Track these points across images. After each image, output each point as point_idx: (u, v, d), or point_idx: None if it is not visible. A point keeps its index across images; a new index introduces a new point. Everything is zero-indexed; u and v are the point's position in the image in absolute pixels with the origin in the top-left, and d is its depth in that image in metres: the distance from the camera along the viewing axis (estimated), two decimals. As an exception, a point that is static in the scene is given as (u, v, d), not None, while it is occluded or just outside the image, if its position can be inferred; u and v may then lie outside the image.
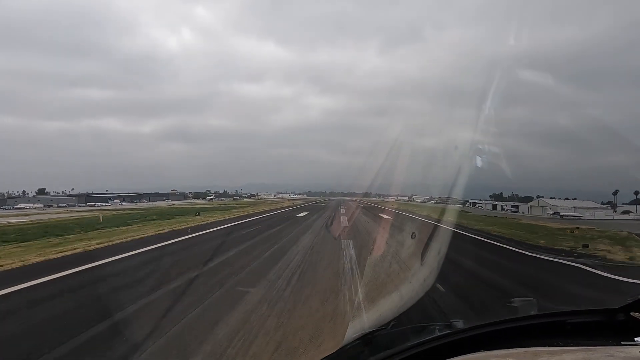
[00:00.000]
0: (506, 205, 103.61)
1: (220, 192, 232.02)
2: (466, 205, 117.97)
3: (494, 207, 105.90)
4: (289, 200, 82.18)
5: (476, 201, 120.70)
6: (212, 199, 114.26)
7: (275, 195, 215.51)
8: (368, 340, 1.63)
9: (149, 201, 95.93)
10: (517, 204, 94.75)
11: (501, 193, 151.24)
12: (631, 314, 1.69)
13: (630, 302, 1.74)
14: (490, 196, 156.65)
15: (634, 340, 1.44)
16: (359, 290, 6.65)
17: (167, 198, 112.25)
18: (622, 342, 1.47)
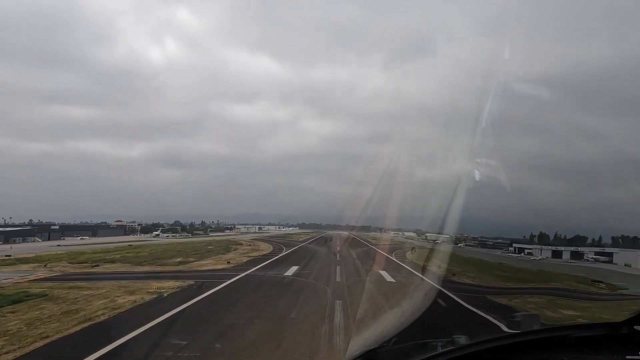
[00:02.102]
0: (577, 250, 72.73)
1: (197, 223, 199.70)
2: (513, 252, 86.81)
3: (556, 255, 75.31)
4: (246, 243, 51.19)
5: (523, 247, 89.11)
6: (157, 234, 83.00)
7: (260, 229, 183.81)
8: (370, 357, 1.63)
9: (45, 239, 64.40)
10: (610, 249, 63.27)
11: (541, 233, 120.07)
12: (635, 327, 1.64)
13: (633, 315, 1.69)
14: (526, 237, 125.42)
15: (639, 354, 1.46)
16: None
17: (94, 232, 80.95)
18: (627, 357, 1.48)
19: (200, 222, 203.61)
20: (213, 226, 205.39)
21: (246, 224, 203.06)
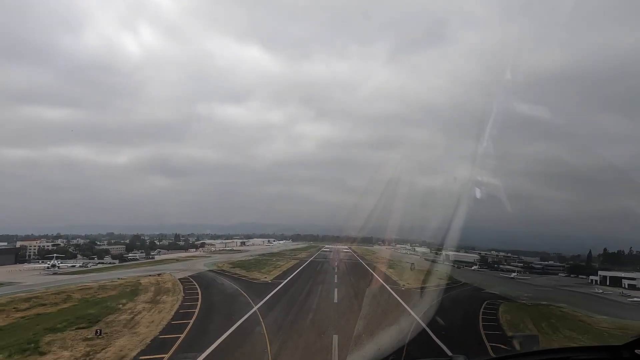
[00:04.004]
0: None
1: (157, 234, 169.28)
2: (599, 282, 57.50)
3: None
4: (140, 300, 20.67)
5: (617, 275, 57.85)
6: (53, 265, 52.70)
7: (244, 243, 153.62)
8: None
9: None
10: None
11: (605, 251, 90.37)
12: (636, 351, 1.56)
13: (634, 339, 1.62)
14: (581, 255, 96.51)
15: None
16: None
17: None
18: None
19: (159, 233, 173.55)
20: (191, 240, 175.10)
21: (225, 239, 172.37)
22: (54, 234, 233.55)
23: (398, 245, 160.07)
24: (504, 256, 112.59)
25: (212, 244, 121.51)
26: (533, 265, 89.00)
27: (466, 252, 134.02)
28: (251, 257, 74.63)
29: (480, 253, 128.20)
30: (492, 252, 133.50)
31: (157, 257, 75.03)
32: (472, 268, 74.72)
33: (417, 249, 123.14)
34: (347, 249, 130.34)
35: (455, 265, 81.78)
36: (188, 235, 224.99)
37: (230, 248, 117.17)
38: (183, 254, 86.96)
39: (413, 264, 71.45)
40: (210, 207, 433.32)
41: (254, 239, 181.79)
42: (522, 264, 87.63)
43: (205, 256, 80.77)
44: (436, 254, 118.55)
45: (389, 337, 13.35)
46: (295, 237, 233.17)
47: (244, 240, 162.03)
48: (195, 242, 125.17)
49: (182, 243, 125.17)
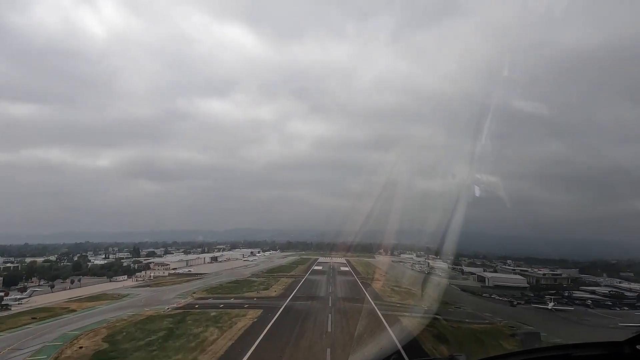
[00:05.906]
0: None
1: (171, 241, 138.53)
2: None
3: None
4: None
5: None
6: None
7: (215, 259, 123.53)
8: None
9: None
10: None
11: None
12: (637, 347, 1.54)
13: (635, 335, 1.58)
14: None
15: None
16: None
17: None
18: None
19: (134, 248, 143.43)
20: (159, 251, 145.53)
21: (202, 251, 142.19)
22: (22, 244, 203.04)
23: (402, 255, 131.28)
24: (552, 275, 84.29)
25: (165, 265, 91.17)
26: (622, 292, 59.68)
27: (485, 265, 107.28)
28: (188, 301, 45.13)
29: (514, 270, 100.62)
30: (507, 261, 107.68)
31: (27, 300, 45.02)
32: (549, 306, 45.27)
33: (431, 262, 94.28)
34: (345, 264, 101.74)
35: (514, 302, 52.13)
36: (171, 244, 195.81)
37: (188, 270, 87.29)
38: (94, 289, 57.17)
39: (460, 308, 42.26)
40: (204, 213, 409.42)
41: (233, 251, 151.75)
42: (606, 290, 58.28)
43: (121, 296, 51.11)
44: (462, 272, 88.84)
45: None
46: (287, 246, 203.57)
47: (217, 255, 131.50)
48: (148, 261, 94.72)
49: (126, 263, 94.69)
